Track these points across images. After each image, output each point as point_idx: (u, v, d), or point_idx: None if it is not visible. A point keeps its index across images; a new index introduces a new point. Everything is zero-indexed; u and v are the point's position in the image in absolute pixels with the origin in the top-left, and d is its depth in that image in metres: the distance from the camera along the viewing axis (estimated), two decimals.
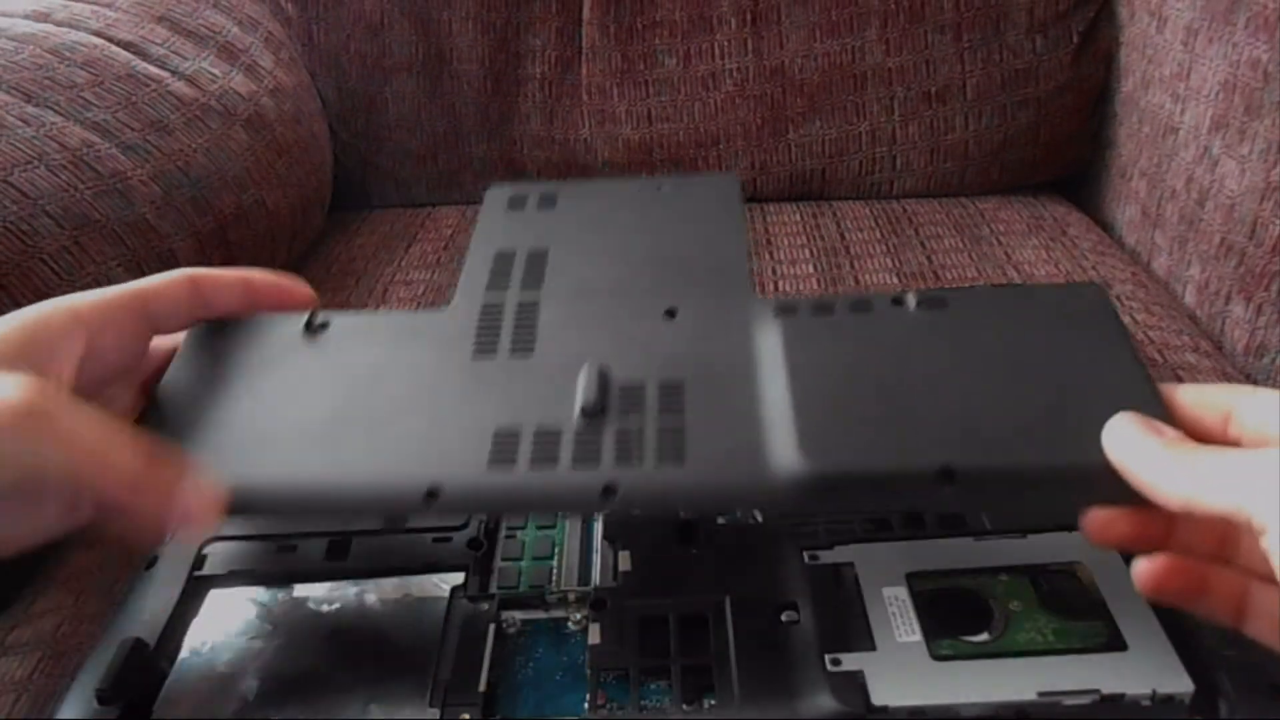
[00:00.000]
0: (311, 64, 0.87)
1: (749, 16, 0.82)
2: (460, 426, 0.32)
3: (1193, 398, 0.29)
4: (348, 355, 0.35)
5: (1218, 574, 0.28)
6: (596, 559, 0.38)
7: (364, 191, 0.90)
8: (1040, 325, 0.33)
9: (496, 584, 0.37)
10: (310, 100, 0.85)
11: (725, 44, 0.83)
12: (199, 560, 0.38)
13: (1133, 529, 0.29)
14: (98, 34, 0.68)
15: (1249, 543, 0.28)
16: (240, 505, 0.31)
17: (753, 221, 0.81)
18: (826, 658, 0.32)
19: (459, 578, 0.37)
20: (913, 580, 0.35)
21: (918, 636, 0.33)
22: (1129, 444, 0.28)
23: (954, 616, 0.34)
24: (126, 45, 0.69)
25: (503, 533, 0.40)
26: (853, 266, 0.74)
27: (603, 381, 0.33)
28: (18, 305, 0.51)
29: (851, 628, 0.34)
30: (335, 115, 0.88)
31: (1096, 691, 0.31)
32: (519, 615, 0.36)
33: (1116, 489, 0.28)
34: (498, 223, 0.42)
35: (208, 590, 0.37)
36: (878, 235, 0.78)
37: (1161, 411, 0.29)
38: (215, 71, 0.74)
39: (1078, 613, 0.34)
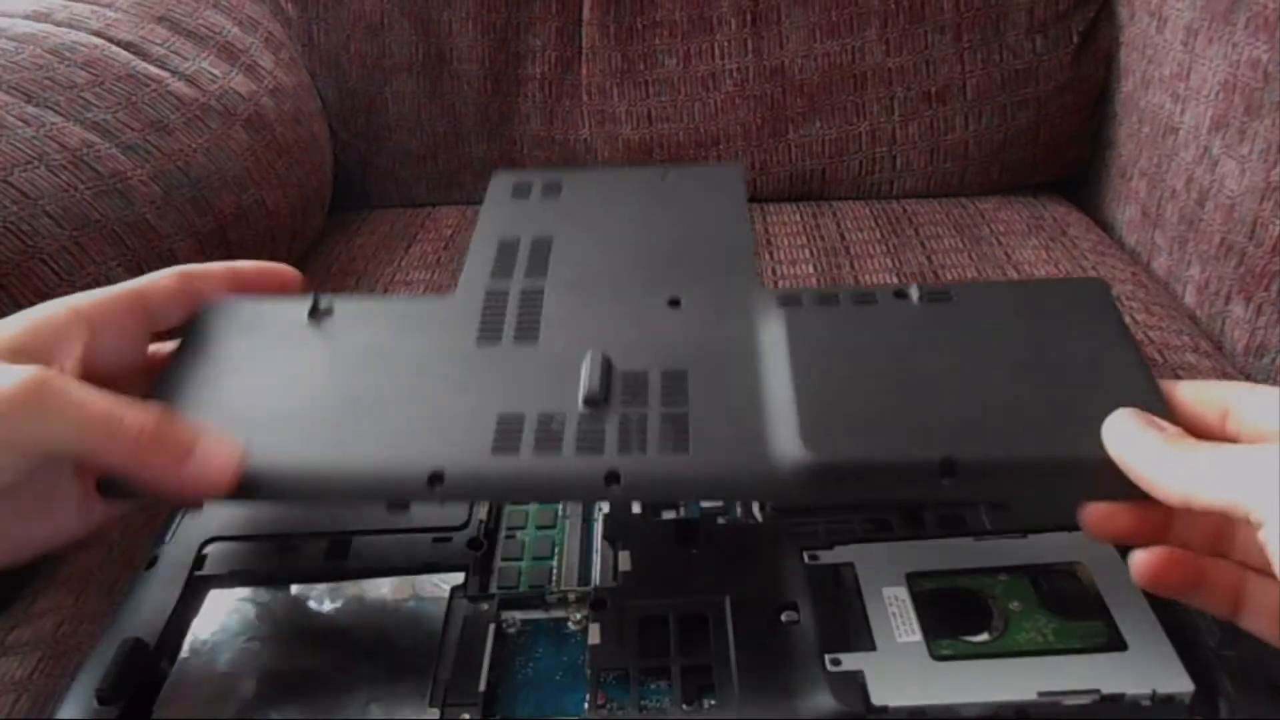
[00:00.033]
0: (311, 64, 0.87)
1: (749, 16, 0.82)
2: (464, 412, 0.32)
3: (1192, 394, 0.29)
4: (352, 340, 0.35)
5: (1214, 566, 0.28)
6: (596, 559, 0.38)
7: (364, 191, 0.90)
8: (1043, 319, 0.33)
9: (496, 584, 0.37)
10: (310, 100, 0.85)
11: (725, 44, 0.83)
12: (199, 560, 0.38)
13: (1131, 523, 0.29)
14: (98, 34, 0.68)
15: (1245, 536, 0.28)
16: (244, 490, 0.31)
17: (753, 222, 0.81)
18: (826, 658, 0.32)
19: (459, 578, 0.37)
20: (913, 580, 0.35)
21: (918, 636, 0.33)
22: (1129, 439, 0.28)
23: (954, 616, 0.34)
24: (126, 45, 0.69)
25: (503, 533, 0.40)
26: (853, 266, 0.74)
27: (606, 369, 0.33)
28: (18, 305, 0.51)
29: (851, 628, 0.34)
30: (335, 115, 0.88)
31: (1096, 691, 0.31)
32: (519, 615, 0.36)
33: (1116, 483, 0.28)
34: (502, 210, 0.42)
35: (208, 590, 0.37)
36: (878, 235, 0.78)
37: (1161, 407, 0.29)
38: (215, 71, 0.74)
39: (1078, 613, 0.34)
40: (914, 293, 0.35)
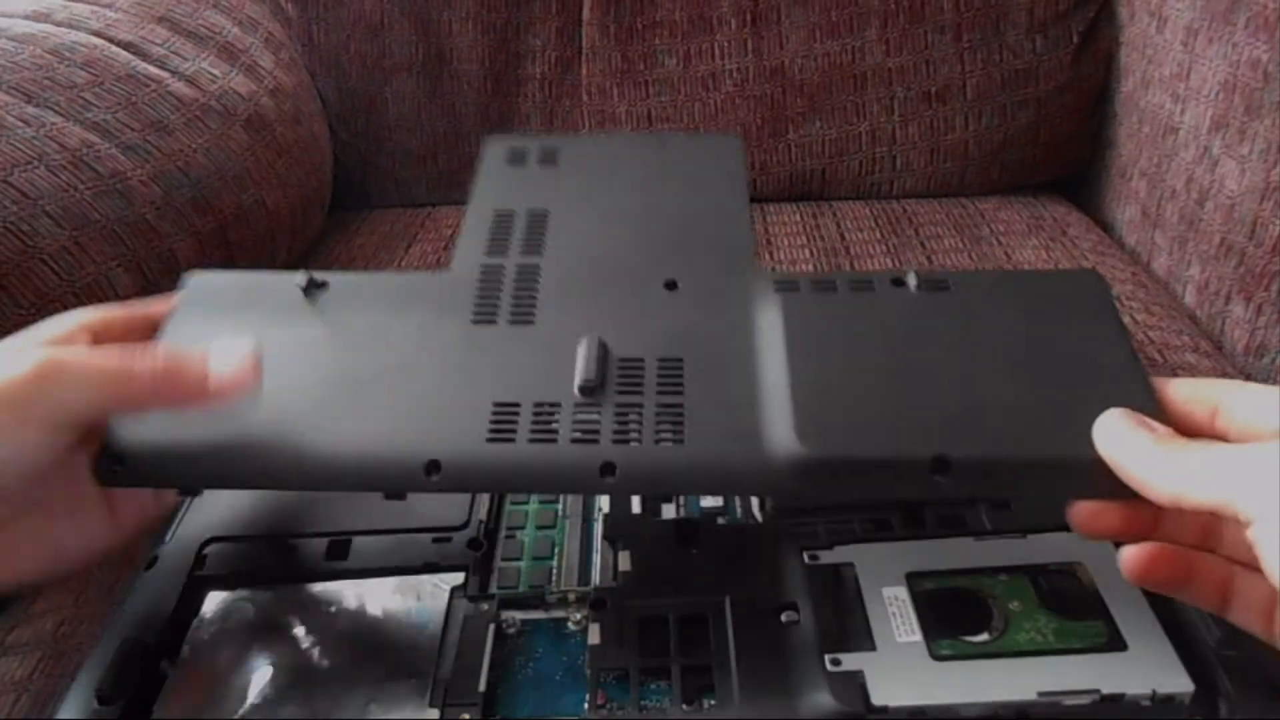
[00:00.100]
0: (311, 64, 0.86)
1: (749, 16, 0.82)
2: (459, 398, 0.32)
3: (1182, 391, 0.30)
4: (347, 317, 0.35)
5: (1203, 561, 0.29)
6: (596, 559, 0.38)
7: (364, 191, 0.90)
8: (1038, 312, 0.33)
9: (496, 584, 0.37)
10: (310, 100, 0.85)
11: (725, 44, 0.83)
12: (199, 560, 0.38)
13: (1120, 520, 0.29)
14: (98, 34, 0.68)
15: (1234, 532, 0.28)
16: (239, 478, 0.31)
17: (753, 221, 0.81)
18: (826, 658, 0.32)
19: (459, 578, 0.37)
20: (913, 580, 0.35)
21: (918, 636, 0.33)
22: (1120, 440, 0.28)
23: (954, 616, 0.34)
24: (126, 45, 0.69)
25: (503, 533, 0.40)
26: (853, 266, 0.74)
27: (602, 356, 0.33)
28: (18, 305, 0.51)
29: (851, 628, 0.34)
30: (335, 115, 0.88)
31: (1096, 691, 0.31)
32: (519, 615, 0.36)
33: (1107, 483, 0.28)
34: (497, 179, 0.41)
35: (208, 590, 0.37)
36: (877, 235, 0.78)
37: (1153, 404, 0.30)
38: (215, 72, 0.74)
39: (1078, 613, 0.34)
40: (911, 280, 0.35)
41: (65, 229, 0.55)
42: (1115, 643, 0.33)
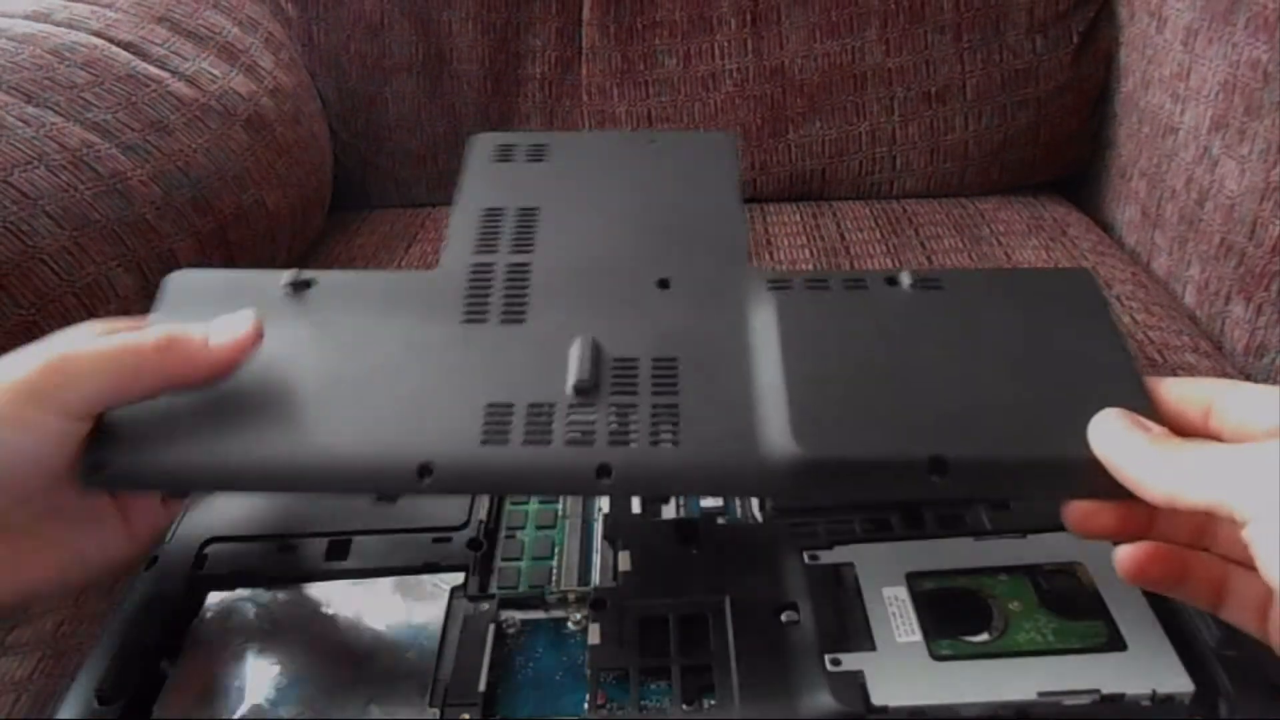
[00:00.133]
0: (311, 64, 0.86)
1: (749, 16, 0.82)
2: (452, 399, 0.31)
3: (1176, 391, 0.30)
4: (334, 317, 0.34)
5: (1197, 560, 0.29)
6: (596, 559, 0.38)
7: (364, 191, 0.90)
8: (1032, 311, 0.33)
9: (496, 584, 0.37)
10: (310, 100, 0.85)
11: (725, 44, 0.83)
12: (199, 560, 0.38)
13: (1114, 520, 0.29)
14: (98, 34, 0.68)
15: (1228, 531, 0.28)
16: (234, 481, 0.31)
17: (753, 222, 0.81)
18: (826, 658, 0.32)
19: (459, 578, 0.37)
20: (913, 580, 0.35)
21: (918, 636, 0.33)
22: (1114, 440, 0.28)
23: (954, 616, 0.34)
24: (126, 45, 0.69)
25: (502, 533, 0.40)
26: (853, 266, 0.74)
27: (595, 356, 0.32)
28: (18, 305, 0.51)
29: (851, 628, 0.34)
30: (335, 115, 0.88)
31: (1096, 691, 0.31)
32: (519, 615, 0.36)
33: (1102, 483, 0.28)
34: (486, 175, 0.40)
35: (208, 590, 0.37)
36: (877, 235, 0.78)
37: (1146, 403, 0.30)
38: (215, 72, 0.74)
39: (1077, 613, 0.34)
40: (905, 279, 0.34)
41: (65, 229, 0.55)
42: (1115, 643, 0.33)
